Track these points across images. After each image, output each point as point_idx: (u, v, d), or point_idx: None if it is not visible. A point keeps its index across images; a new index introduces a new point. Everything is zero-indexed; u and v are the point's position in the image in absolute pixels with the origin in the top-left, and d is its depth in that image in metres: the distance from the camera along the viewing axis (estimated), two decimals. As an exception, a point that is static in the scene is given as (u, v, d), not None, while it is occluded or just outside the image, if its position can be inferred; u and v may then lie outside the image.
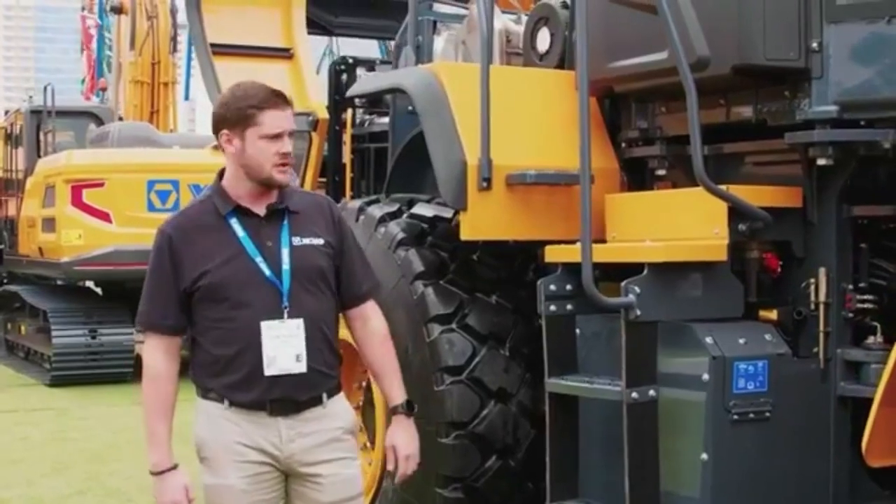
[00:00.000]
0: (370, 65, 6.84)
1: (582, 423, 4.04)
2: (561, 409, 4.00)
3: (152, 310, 3.25)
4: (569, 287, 3.96)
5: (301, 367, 3.18)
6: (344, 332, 3.46)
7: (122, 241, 11.32)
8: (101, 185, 11.68)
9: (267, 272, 3.19)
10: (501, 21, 5.30)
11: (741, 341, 3.77)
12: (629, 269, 3.75)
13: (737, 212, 3.80)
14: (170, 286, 3.20)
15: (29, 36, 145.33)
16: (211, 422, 3.21)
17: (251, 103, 3.17)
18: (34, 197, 12.84)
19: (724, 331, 3.77)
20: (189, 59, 19.13)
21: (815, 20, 3.79)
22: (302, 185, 6.18)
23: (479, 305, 4.40)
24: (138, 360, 10.76)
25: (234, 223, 3.22)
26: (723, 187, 3.76)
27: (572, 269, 3.88)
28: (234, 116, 3.19)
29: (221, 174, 3.32)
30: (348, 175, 6.42)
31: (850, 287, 3.90)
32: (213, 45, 6.77)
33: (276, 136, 3.18)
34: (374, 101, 6.25)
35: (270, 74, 6.28)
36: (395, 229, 4.59)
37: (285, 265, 3.20)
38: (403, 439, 3.39)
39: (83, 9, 23.01)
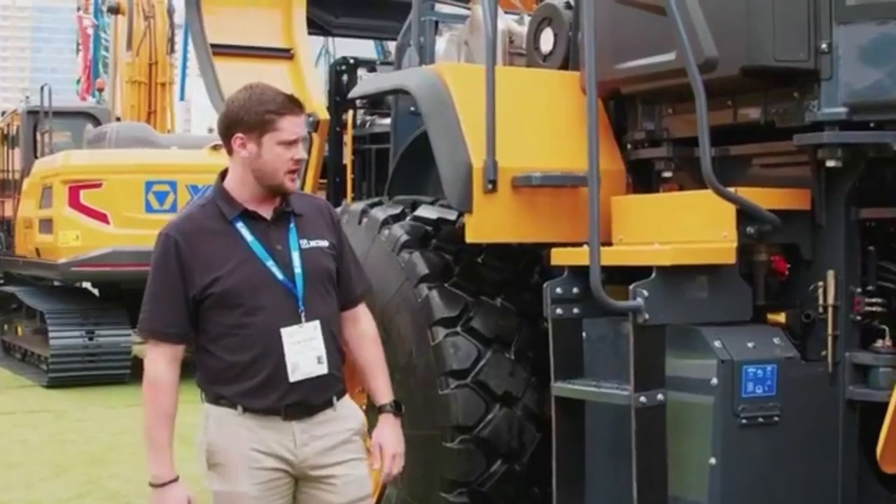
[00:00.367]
0: (371, 66, 6.82)
1: (588, 427, 4.00)
2: (567, 413, 3.96)
3: (156, 317, 3.18)
4: (575, 290, 3.92)
5: (323, 369, 3.18)
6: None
7: (120, 242, 11.29)
8: (99, 185, 11.65)
9: (279, 276, 3.16)
10: (504, 21, 5.26)
11: (750, 345, 3.74)
12: (633, 272, 3.72)
13: (745, 214, 3.77)
14: (177, 293, 3.14)
15: (25, 36, 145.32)
16: (224, 428, 3.16)
17: (269, 108, 3.13)
18: (31, 198, 12.81)
19: (733, 334, 3.74)
20: (185, 59, 19.10)
21: (825, 21, 3.76)
22: (302, 186, 6.13)
23: (484, 308, 4.36)
24: (136, 362, 10.76)
25: (241, 227, 3.18)
26: (731, 189, 3.73)
27: (579, 272, 3.85)
28: (252, 120, 3.14)
29: (222, 176, 3.27)
30: (349, 176, 6.39)
31: (859, 290, 3.87)
32: (213, 46, 6.71)
33: (293, 143, 3.16)
34: (375, 102, 6.23)
35: (271, 75, 6.23)
36: (399, 232, 4.55)
37: (297, 268, 3.18)
38: (390, 438, 3.38)
39: (79, 9, 22.99)
